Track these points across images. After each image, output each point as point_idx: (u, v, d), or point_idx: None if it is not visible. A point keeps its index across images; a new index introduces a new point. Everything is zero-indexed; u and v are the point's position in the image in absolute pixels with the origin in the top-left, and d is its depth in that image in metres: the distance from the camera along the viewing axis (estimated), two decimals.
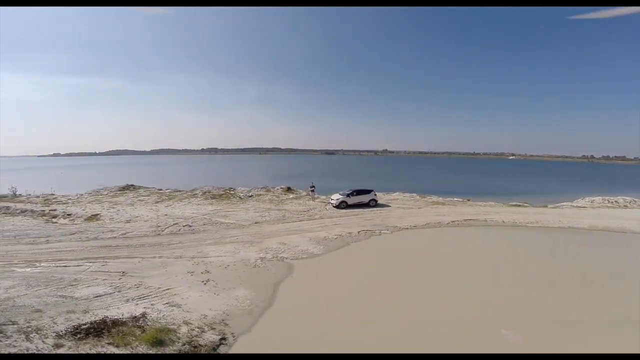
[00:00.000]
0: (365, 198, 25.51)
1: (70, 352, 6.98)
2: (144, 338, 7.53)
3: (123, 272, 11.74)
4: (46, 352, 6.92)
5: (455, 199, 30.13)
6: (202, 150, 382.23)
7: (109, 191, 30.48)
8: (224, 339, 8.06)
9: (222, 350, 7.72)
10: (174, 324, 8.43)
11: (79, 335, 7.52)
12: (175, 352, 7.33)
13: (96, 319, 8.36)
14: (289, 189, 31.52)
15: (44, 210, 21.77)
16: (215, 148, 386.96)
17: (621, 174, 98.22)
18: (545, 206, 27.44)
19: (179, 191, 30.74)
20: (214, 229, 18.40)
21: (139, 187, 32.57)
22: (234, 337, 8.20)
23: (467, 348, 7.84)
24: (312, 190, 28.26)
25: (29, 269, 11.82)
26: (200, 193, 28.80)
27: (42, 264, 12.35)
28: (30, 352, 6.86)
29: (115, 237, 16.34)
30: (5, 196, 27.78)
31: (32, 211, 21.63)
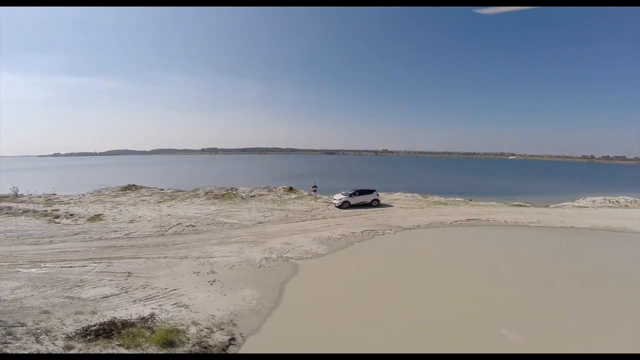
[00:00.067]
0: (367, 198, 25.52)
1: (82, 353, 6.98)
2: (154, 339, 7.51)
3: (129, 273, 11.74)
4: (57, 354, 6.91)
5: (457, 198, 30.19)
6: (202, 150, 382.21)
7: (111, 191, 30.45)
8: (233, 339, 8.06)
9: (232, 350, 7.72)
10: (182, 324, 8.43)
11: (88, 337, 7.49)
12: (186, 353, 7.33)
13: (105, 320, 8.34)
14: (291, 189, 31.55)
15: (46, 211, 21.74)
16: (215, 148, 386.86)
17: (621, 174, 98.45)
18: (547, 206, 27.52)
19: (181, 191, 30.72)
20: (217, 229, 18.40)
21: (141, 187, 32.55)
22: (242, 337, 8.21)
23: (468, 348, 7.90)
24: (315, 190, 28.30)
25: (34, 270, 11.79)
26: (203, 193, 28.78)
27: (47, 265, 12.33)
28: (40, 354, 6.84)
29: (119, 238, 16.33)
30: (7, 196, 27.74)
31: (35, 211, 21.59)
